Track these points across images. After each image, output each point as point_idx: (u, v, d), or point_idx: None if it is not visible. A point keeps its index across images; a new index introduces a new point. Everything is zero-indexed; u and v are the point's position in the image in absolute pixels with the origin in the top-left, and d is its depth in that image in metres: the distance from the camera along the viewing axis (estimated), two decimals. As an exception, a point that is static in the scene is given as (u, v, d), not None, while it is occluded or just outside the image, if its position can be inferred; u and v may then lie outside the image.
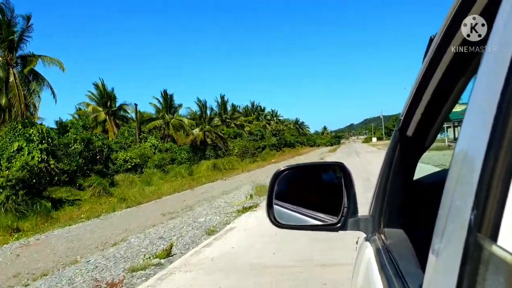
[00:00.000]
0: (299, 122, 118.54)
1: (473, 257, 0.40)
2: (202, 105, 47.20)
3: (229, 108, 60.83)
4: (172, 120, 40.74)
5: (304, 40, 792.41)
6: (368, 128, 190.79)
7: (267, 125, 79.72)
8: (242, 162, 37.91)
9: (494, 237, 0.38)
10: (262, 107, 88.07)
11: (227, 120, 57.67)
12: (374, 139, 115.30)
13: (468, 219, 0.42)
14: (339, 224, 1.33)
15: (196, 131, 42.90)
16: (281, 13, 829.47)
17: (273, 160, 40.69)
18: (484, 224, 0.39)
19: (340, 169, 1.41)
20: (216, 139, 44.01)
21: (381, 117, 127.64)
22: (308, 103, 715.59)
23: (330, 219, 1.36)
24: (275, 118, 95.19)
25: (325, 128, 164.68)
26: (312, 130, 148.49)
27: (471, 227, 0.41)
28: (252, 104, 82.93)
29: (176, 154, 32.93)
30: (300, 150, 72.47)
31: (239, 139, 49.14)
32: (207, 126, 44.70)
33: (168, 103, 41.41)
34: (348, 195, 1.34)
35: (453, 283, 0.43)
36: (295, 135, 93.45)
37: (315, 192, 1.57)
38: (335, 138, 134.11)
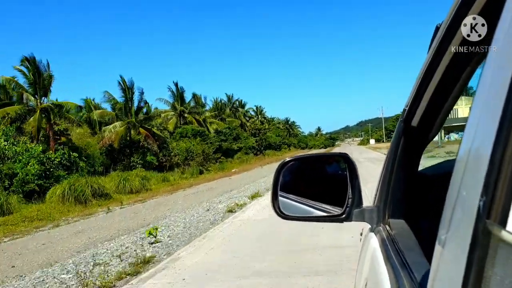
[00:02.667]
0: (289, 122, 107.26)
1: (482, 244, 0.40)
2: (127, 88, 29.53)
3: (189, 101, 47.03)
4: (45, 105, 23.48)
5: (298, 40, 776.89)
6: (364, 130, 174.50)
7: (248, 124, 67.16)
8: (183, 175, 28.09)
9: (503, 222, 0.38)
10: (242, 102, 72.81)
11: (184, 114, 44.90)
12: (372, 141, 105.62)
13: (477, 206, 0.42)
14: (344, 215, 1.34)
15: (116, 126, 28.70)
16: (274, 11, 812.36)
17: (233, 170, 31.59)
18: (493, 210, 0.39)
19: (344, 160, 1.42)
20: (149, 138, 30.55)
21: (380, 116, 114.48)
22: (302, 104, 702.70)
23: (335, 210, 1.37)
24: (259, 116, 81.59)
25: (319, 129, 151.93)
26: (306, 131, 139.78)
27: (480, 214, 0.41)
28: (229, 98, 68.00)
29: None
30: (286, 153, 61.98)
31: (185, 139, 36.53)
32: (132, 119, 29.79)
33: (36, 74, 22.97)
34: (353, 186, 1.35)
35: (461, 270, 0.44)
36: (282, 135, 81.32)
37: (319, 183, 1.57)
38: (330, 140, 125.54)
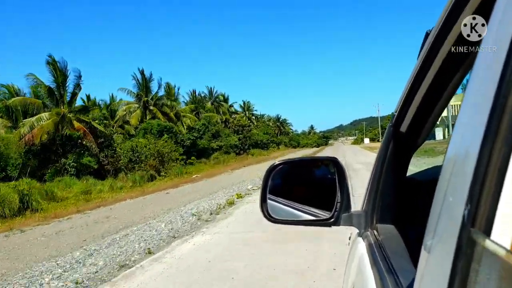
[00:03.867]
0: (280, 119, 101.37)
1: (466, 252, 0.40)
2: (58, 70, 23.14)
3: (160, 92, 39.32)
4: None
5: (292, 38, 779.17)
6: (358, 128, 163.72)
7: (232, 119, 59.63)
8: (118, 183, 21.77)
9: (487, 231, 0.38)
10: (225, 96, 65.33)
11: (149, 106, 37.78)
12: (366, 140, 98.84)
13: (462, 214, 0.42)
14: (332, 219, 1.33)
15: (41, 118, 22.58)
16: (266, 7, 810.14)
17: (195, 176, 25.04)
18: (477, 219, 0.39)
19: (333, 164, 1.42)
20: (87, 134, 24.07)
21: (374, 115, 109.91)
22: (296, 103, 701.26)
23: (323, 214, 1.36)
24: (247, 112, 76.19)
25: (312, 127, 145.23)
26: (299, 130, 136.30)
27: (465, 222, 0.41)
28: (210, 91, 60.84)
29: None
30: (274, 152, 57.45)
31: (150, 136, 30.25)
32: (63, 109, 23.48)
33: None
34: (342, 190, 1.34)
35: (446, 278, 0.43)
36: (271, 133, 73.56)
37: (308, 187, 1.57)
38: (323, 139, 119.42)
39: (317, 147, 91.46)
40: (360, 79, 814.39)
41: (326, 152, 49.80)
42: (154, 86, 39.01)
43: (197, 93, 57.33)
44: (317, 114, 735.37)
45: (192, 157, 35.64)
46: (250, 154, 50.64)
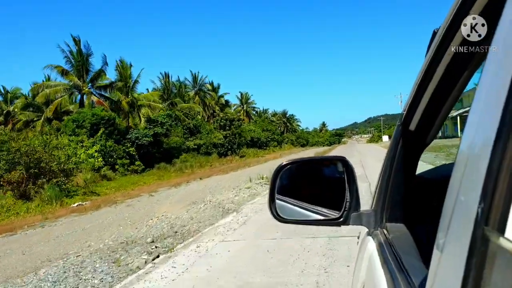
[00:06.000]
0: (287, 115, 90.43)
1: (480, 250, 0.40)
2: None
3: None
4: None
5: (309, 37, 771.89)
6: (375, 125, 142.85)
7: (218, 112, 50.10)
8: None
9: (501, 229, 0.38)
10: (215, 85, 53.58)
11: (83, 89, 28.19)
12: (385, 138, 75.42)
13: (475, 212, 0.42)
14: (341, 219, 1.33)
15: None
16: (283, 4, 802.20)
17: (75, 204, 14.46)
18: (491, 217, 0.39)
19: (342, 163, 1.41)
20: None
21: (390, 113, 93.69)
22: (307, 100, 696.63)
23: (332, 214, 1.36)
24: (245, 106, 66.17)
25: (323, 124, 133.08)
26: (310, 128, 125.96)
27: (478, 220, 0.41)
28: (194, 78, 49.76)
29: None
30: (274, 153, 47.30)
31: (81, 131, 23.40)
32: None
33: None
34: (351, 189, 1.34)
35: (459, 276, 0.43)
36: (272, 130, 62.22)
37: (317, 187, 1.57)
38: (335, 136, 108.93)
39: (329, 145, 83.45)
40: (376, 76, 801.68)
41: (337, 152, 39.03)
42: (96, 63, 29.96)
43: (174, 79, 45.70)
44: (329, 112, 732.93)
45: (137, 162, 25.62)
46: (240, 155, 41.01)
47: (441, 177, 1.26)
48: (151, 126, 29.62)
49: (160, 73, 46.97)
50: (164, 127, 30.70)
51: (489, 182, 0.40)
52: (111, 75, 31.43)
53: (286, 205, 1.46)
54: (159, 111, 32.74)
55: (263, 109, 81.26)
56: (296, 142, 77.56)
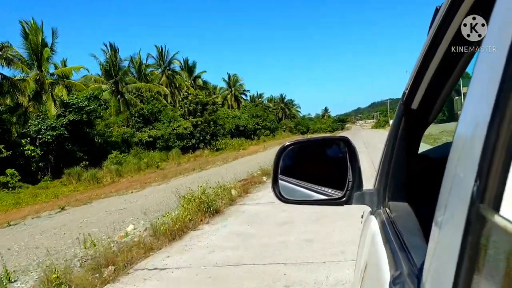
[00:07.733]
0: (285, 100, 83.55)
1: (476, 228, 0.41)
2: None
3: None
4: None
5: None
6: (380, 109, 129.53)
7: (185, 94, 36.61)
8: None
9: (496, 207, 0.38)
10: (189, 63, 44.08)
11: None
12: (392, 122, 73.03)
13: (471, 190, 0.42)
14: (344, 198, 1.34)
15: None
16: None
17: None
18: (486, 195, 0.40)
19: (344, 143, 1.42)
20: None
21: (395, 98, 79.92)
22: (308, 85, 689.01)
23: (335, 193, 1.37)
24: (233, 89, 56.39)
25: (326, 110, 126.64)
26: (312, 114, 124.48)
27: (474, 198, 0.42)
28: (160, 53, 40.33)
29: None
30: (253, 146, 37.37)
31: None
32: None
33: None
34: (353, 169, 1.35)
35: (455, 253, 0.44)
36: (262, 116, 52.57)
37: (320, 167, 1.57)
38: (338, 122, 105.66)
39: (332, 132, 78.73)
40: (379, 60, 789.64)
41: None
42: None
43: (133, 54, 35.73)
44: (332, 97, 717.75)
45: (10, 170, 17.58)
46: (217, 147, 33.24)
47: (442, 155, 1.26)
48: (66, 114, 21.13)
49: (104, 44, 36.09)
50: (83, 113, 21.38)
51: (484, 160, 0.41)
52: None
53: (289, 185, 1.47)
54: (93, 93, 24.03)
55: (258, 93, 72.77)
56: (295, 129, 72.15)
